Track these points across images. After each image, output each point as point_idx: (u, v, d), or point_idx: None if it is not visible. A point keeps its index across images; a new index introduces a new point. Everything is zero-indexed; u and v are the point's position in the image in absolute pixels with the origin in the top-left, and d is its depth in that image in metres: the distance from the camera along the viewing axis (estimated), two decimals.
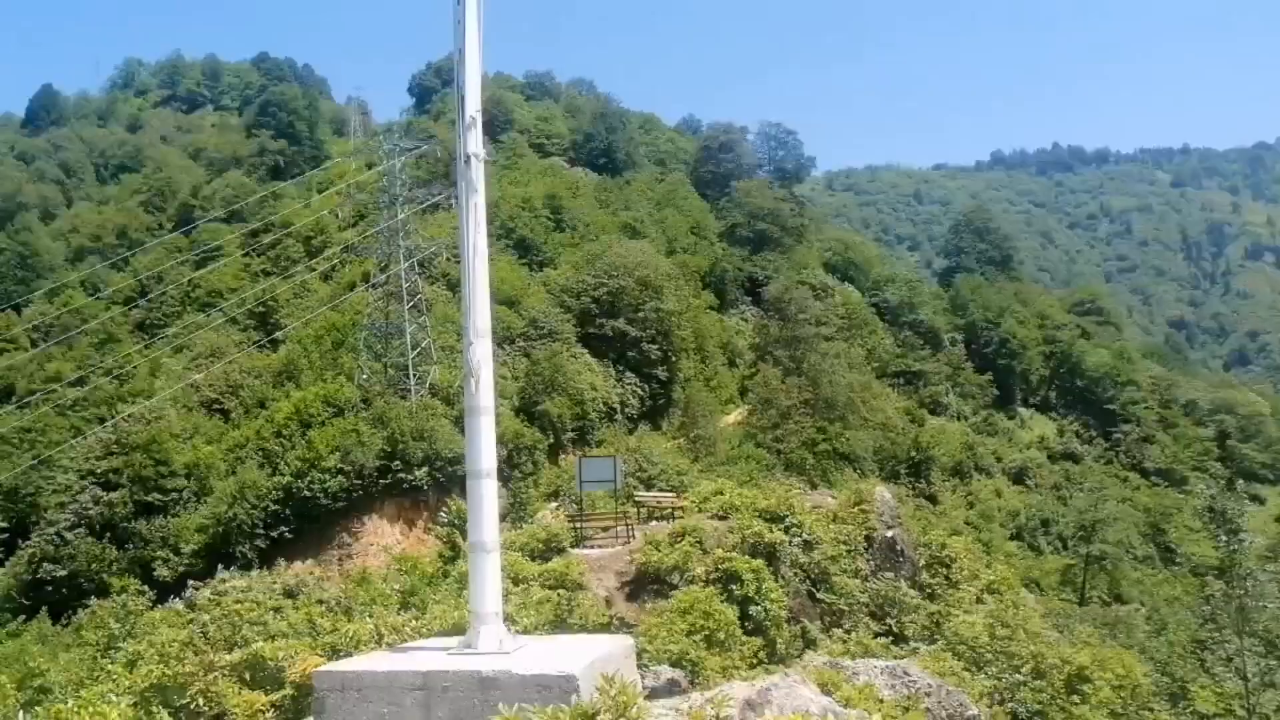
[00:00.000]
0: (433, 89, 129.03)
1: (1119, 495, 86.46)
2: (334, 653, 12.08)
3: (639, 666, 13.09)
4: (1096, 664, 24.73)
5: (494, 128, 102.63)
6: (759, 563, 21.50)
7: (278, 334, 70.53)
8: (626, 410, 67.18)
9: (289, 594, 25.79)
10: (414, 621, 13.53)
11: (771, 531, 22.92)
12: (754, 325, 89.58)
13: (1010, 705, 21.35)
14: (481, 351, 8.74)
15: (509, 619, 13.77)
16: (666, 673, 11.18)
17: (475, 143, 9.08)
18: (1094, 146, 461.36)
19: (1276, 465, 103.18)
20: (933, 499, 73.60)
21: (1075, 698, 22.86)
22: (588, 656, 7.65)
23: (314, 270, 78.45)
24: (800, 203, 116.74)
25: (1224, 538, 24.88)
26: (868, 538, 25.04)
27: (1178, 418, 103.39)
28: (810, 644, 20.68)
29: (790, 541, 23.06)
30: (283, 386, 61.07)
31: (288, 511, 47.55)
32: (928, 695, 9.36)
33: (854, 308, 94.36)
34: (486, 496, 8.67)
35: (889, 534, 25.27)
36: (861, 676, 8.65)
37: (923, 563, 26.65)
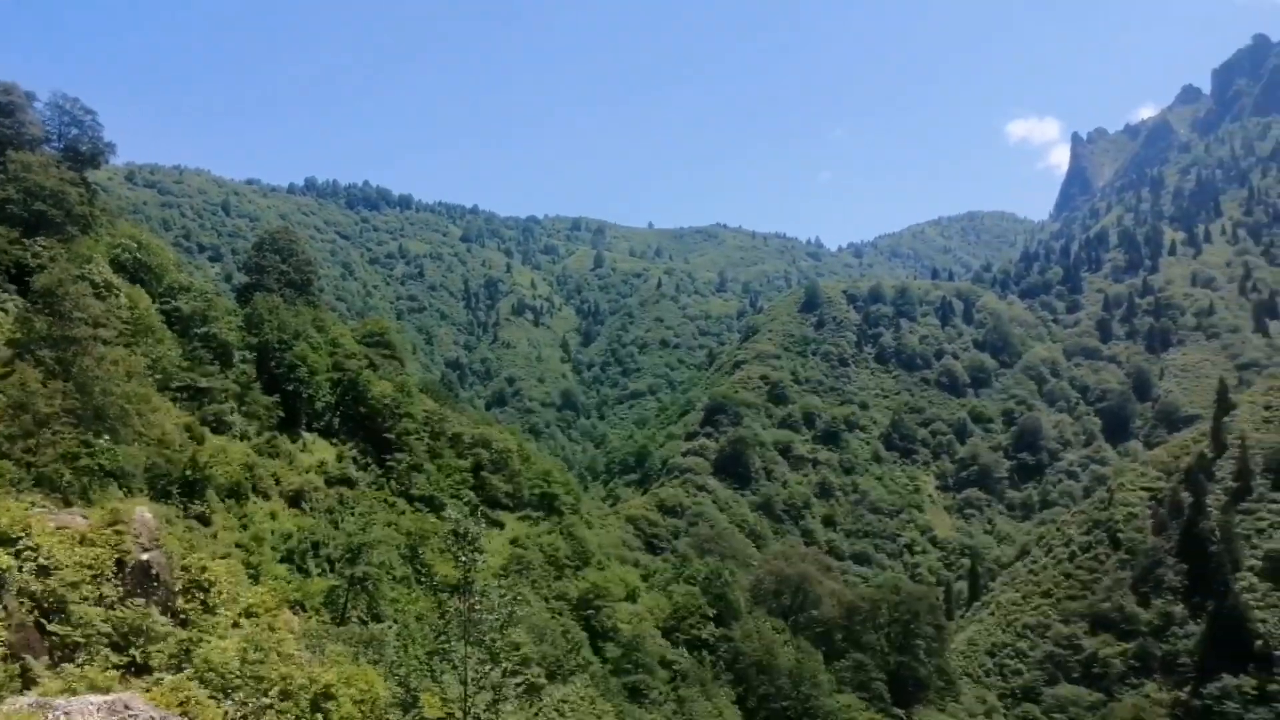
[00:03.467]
0: None
1: (386, 519, 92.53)
2: None
3: None
4: (343, 681, 26.12)
5: None
6: None
7: None
8: None
9: None
10: None
11: None
12: (16, 318, 77.16)
13: None
14: None
15: None
16: None
17: None
18: (400, 190, 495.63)
19: (516, 494, 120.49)
20: (205, 520, 70.77)
21: (319, 715, 23.85)
22: None
23: None
24: (92, 190, 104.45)
25: (464, 558, 27.95)
26: (120, 562, 23.08)
27: (444, 449, 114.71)
28: (32, 683, 18.31)
29: (20, 567, 20.27)
30: None
31: None
32: None
33: (141, 313, 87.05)
34: None
35: (144, 557, 23.62)
36: (74, 716, 7.94)
37: (179, 587, 25.45)
